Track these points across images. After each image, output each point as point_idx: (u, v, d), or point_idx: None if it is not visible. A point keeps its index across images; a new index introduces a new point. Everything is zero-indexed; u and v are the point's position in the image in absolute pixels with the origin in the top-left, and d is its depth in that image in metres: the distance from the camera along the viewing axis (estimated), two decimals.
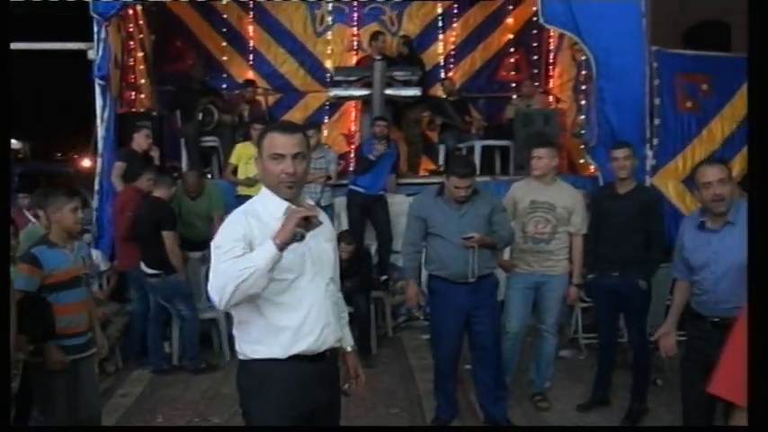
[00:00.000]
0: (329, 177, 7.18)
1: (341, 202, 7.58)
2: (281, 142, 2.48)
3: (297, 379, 2.52)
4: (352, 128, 9.98)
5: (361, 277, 6.35)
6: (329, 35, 10.06)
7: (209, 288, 2.37)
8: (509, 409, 4.69)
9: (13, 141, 26.66)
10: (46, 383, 3.71)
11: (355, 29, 10.03)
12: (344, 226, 7.39)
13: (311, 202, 2.68)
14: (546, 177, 4.84)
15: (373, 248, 7.41)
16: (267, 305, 2.47)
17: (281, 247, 2.29)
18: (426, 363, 5.86)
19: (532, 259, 4.81)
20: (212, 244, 2.44)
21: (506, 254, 5.08)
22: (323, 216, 2.68)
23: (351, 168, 8.19)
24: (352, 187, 7.45)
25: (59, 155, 20.35)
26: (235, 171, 7.31)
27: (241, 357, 2.60)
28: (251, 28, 9.94)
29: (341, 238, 6.39)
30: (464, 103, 9.14)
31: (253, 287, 2.29)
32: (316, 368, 2.55)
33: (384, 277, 7.10)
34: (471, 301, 4.44)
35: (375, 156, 7.25)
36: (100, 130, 6.92)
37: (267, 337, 2.51)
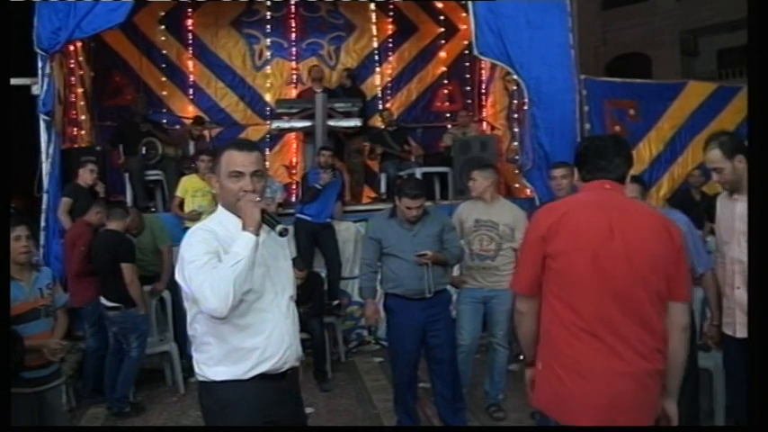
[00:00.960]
0: (280, 205, 7.31)
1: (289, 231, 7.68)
2: (239, 160, 2.55)
3: (259, 399, 2.57)
4: (294, 159, 10.15)
5: (313, 303, 6.48)
6: (268, 69, 10.24)
7: (207, 303, 2.37)
8: (467, 420, 4.87)
9: None
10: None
11: (294, 63, 10.24)
12: (293, 253, 7.50)
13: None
14: (487, 197, 5.12)
15: (323, 275, 7.54)
16: (229, 327, 2.52)
17: (257, 233, 2.41)
18: (381, 384, 6.04)
19: (479, 275, 5.07)
20: (183, 262, 2.47)
21: (456, 271, 5.32)
22: (278, 237, 2.79)
23: (294, 198, 8.33)
24: (300, 216, 7.56)
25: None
26: (181, 204, 7.33)
27: (201, 379, 2.63)
28: (191, 63, 10.03)
29: (294, 263, 6.48)
30: (402, 132, 9.44)
31: (246, 280, 2.37)
32: (278, 386, 2.62)
33: (335, 302, 7.23)
34: (427, 315, 4.64)
35: (321, 184, 7.40)
36: (45, 166, 6.86)
37: (229, 359, 2.56)
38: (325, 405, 5.74)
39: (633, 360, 2.36)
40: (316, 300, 6.53)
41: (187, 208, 7.25)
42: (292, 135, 9.87)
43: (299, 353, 2.75)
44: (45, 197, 6.86)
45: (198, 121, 9.16)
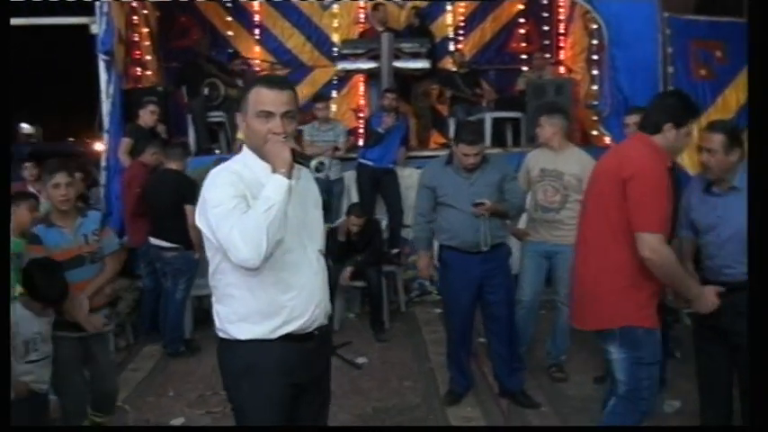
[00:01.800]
0: (337, 149, 7.08)
1: (350, 176, 7.50)
2: (269, 98, 2.30)
3: (285, 361, 2.37)
4: (361, 102, 9.85)
5: (372, 251, 6.29)
6: (335, 8, 9.89)
7: (238, 252, 2.15)
8: (525, 380, 4.60)
9: (24, 126, 26.77)
10: (57, 365, 3.66)
11: (361, 1, 9.84)
12: (354, 199, 7.32)
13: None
14: (555, 145, 4.74)
15: (384, 222, 7.32)
16: (256, 281, 2.31)
17: (289, 176, 2.18)
18: (439, 336, 5.78)
19: (543, 229, 4.73)
20: (206, 205, 2.26)
21: (522, 223, 4.98)
22: (309, 180, 2.55)
23: (360, 143, 8.08)
24: (362, 161, 7.35)
25: (71, 139, 20.12)
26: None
27: (223, 336, 2.43)
28: (256, 2, 9.78)
29: (350, 211, 6.34)
30: (474, 75, 8.99)
31: (280, 226, 2.15)
32: (305, 348, 2.42)
33: (395, 251, 7.01)
34: (483, 270, 4.34)
35: (384, 129, 7.16)
36: (105, 106, 6.83)
37: (254, 316, 2.35)
38: (379, 356, 5.57)
39: None
40: (374, 248, 6.32)
41: None
42: (360, 77, 9.55)
43: (329, 310, 2.53)
44: (106, 137, 6.84)
45: (235, 55, 8.91)
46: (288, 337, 2.37)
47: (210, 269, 2.43)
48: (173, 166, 5.71)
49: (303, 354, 2.42)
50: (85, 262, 3.73)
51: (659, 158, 2.94)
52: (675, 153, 3.13)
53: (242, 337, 2.37)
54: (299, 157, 2.24)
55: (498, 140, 8.32)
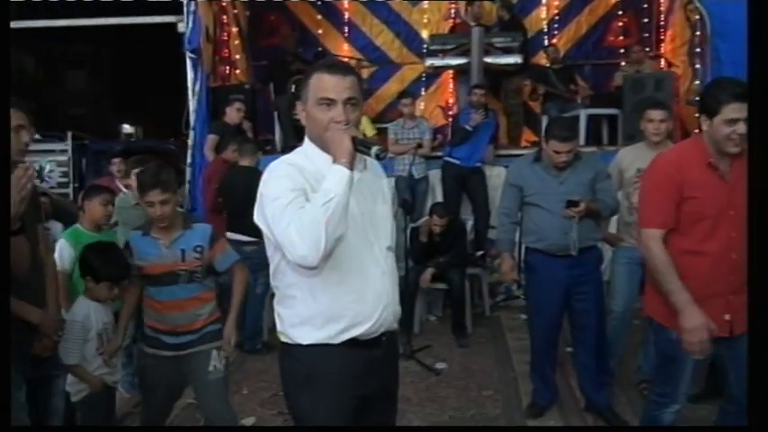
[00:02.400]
0: (420, 146, 6.86)
1: (435, 175, 7.29)
2: (330, 84, 2.10)
3: (349, 368, 2.18)
4: (450, 100, 9.63)
5: (455, 252, 6.05)
6: (425, 4, 9.73)
7: (295, 250, 1.97)
8: (613, 396, 4.26)
9: (125, 126, 27.92)
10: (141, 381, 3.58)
11: None
12: (439, 199, 7.10)
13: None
14: (656, 142, 4.36)
15: (470, 223, 7.07)
16: (318, 281, 2.13)
17: (351, 166, 2.00)
18: (525, 344, 5.43)
19: (638, 233, 4.35)
20: (264, 199, 2.10)
21: (612, 227, 4.63)
22: (378, 172, 2.36)
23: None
24: (448, 159, 7.13)
25: (172, 138, 20.76)
26: None
27: (284, 340, 2.26)
28: (346, 0, 9.71)
29: (433, 210, 6.13)
30: (569, 70, 8.61)
31: (340, 222, 1.96)
32: (371, 355, 2.21)
33: (480, 253, 6.74)
34: (572, 276, 4.03)
35: (472, 126, 6.90)
36: (191, 104, 6.88)
37: (316, 319, 2.17)
38: (459, 362, 5.33)
39: None
40: (457, 249, 6.08)
41: None
42: (449, 74, 9.33)
43: (398, 314, 2.31)
44: (191, 134, 6.89)
45: (320, 54, 8.80)
46: (353, 343, 2.18)
47: (271, 269, 2.27)
48: (245, 162, 5.69)
49: (369, 361, 2.22)
50: (179, 280, 3.27)
51: (686, 154, 2.88)
52: (720, 145, 2.78)
53: (304, 341, 2.19)
54: (360, 145, 2.04)
55: (593, 138, 7.92)
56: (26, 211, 2.52)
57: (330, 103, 2.10)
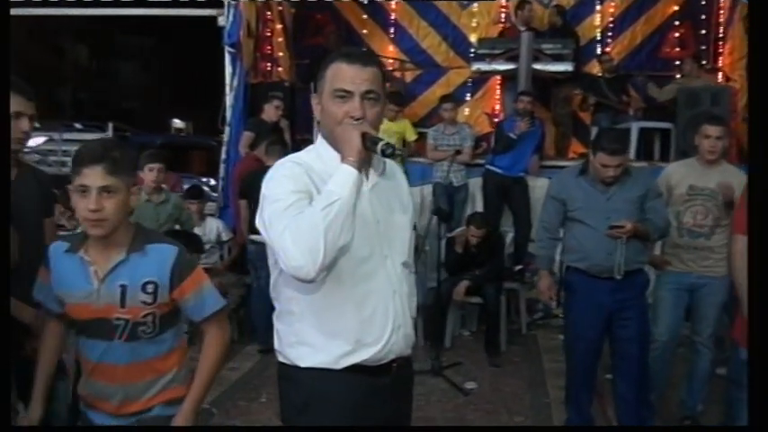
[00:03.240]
0: (458, 152, 6.59)
1: (476, 183, 7.02)
2: (348, 75, 1.87)
3: (351, 396, 1.94)
4: (497, 107, 9.33)
5: (492, 265, 5.77)
6: (475, 7, 9.43)
7: (289, 260, 1.73)
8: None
9: (176, 121, 28.18)
10: None
11: (504, 0, 9.31)
12: (479, 209, 6.84)
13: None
14: (710, 159, 4.04)
15: (510, 235, 6.78)
16: (320, 297, 1.89)
17: (359, 166, 1.77)
18: (561, 366, 5.09)
19: (688, 256, 4.03)
20: (264, 201, 1.87)
21: (657, 248, 4.31)
22: (399, 178, 2.12)
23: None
24: (489, 167, 6.86)
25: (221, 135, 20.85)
26: None
27: (281, 360, 2.02)
28: (393, 1, 9.50)
29: (470, 220, 5.88)
30: (621, 80, 8.23)
31: (343, 230, 1.72)
32: (378, 383, 1.97)
33: (519, 267, 6.45)
34: (615, 300, 3.73)
35: (516, 134, 6.64)
36: (228, 99, 6.74)
37: (316, 340, 1.93)
38: (491, 382, 5.05)
39: None
40: (494, 262, 5.80)
41: None
42: (497, 80, 9.05)
43: (411, 339, 2.05)
44: (227, 130, 6.75)
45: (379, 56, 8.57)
46: (357, 369, 1.93)
47: (272, 279, 2.04)
48: (270, 163, 5.47)
49: (376, 390, 1.97)
50: (116, 334, 2.17)
51: None
52: None
53: (301, 363, 1.95)
54: (369, 142, 1.80)
55: (645, 153, 7.55)
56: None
57: (346, 95, 1.87)
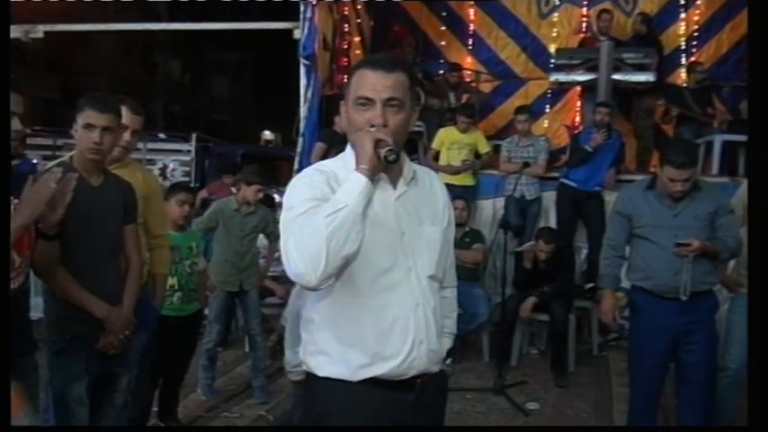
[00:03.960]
0: (527, 164, 6.43)
1: (550, 197, 6.84)
2: (370, 82, 1.83)
3: (370, 411, 1.88)
4: (576, 119, 9.09)
5: (561, 282, 5.60)
6: (555, 16, 9.21)
7: (291, 266, 1.72)
8: None
9: (266, 132, 28.90)
10: None
11: (585, 9, 9.07)
12: (553, 223, 6.66)
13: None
14: None
15: (583, 252, 6.58)
16: (338, 307, 1.86)
17: (371, 175, 1.73)
18: None
19: None
20: (283, 209, 1.86)
21: (730, 268, 4.08)
22: (435, 188, 2.06)
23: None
24: (564, 181, 6.68)
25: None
26: (436, 157, 6.89)
27: (304, 368, 2.00)
28: (471, 11, 9.41)
29: (539, 235, 5.74)
30: (706, 91, 7.85)
31: (348, 239, 1.67)
32: (400, 399, 1.90)
33: (591, 285, 6.23)
34: (681, 322, 3.54)
35: (592, 146, 6.44)
36: (302, 110, 6.81)
37: (333, 350, 1.89)
38: (554, 403, 4.89)
39: None
40: (564, 279, 5.64)
41: (442, 161, 6.80)
42: (577, 91, 8.80)
43: (437, 355, 1.97)
44: (300, 140, 6.83)
45: (454, 66, 8.50)
46: (376, 383, 1.87)
47: (295, 287, 2.03)
48: None
49: (397, 406, 1.91)
50: None
51: None
52: None
53: (319, 372, 1.92)
54: (387, 151, 1.75)
55: (729, 168, 7.19)
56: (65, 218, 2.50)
57: (367, 102, 1.84)
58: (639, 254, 3.71)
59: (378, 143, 1.75)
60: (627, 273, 3.86)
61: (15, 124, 2.87)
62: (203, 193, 8.00)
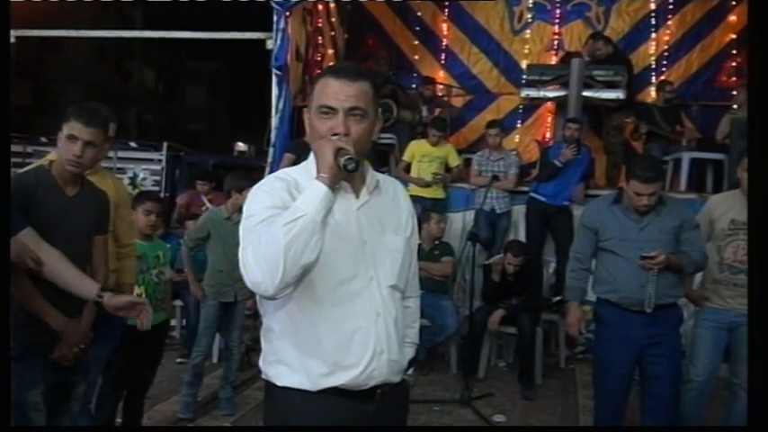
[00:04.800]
0: (496, 178, 6.47)
1: (520, 211, 6.88)
2: (332, 90, 1.82)
3: (330, 421, 1.86)
4: (547, 135, 9.18)
5: (529, 295, 5.63)
6: (527, 33, 9.32)
7: (248, 275, 1.71)
8: None
9: (240, 144, 28.77)
10: None
11: (557, 27, 9.20)
12: (522, 237, 6.69)
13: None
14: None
15: (552, 265, 6.63)
16: (298, 315, 1.84)
17: (331, 183, 1.71)
18: None
19: (728, 293, 3.82)
20: (243, 216, 1.84)
21: (696, 282, 4.13)
22: (398, 198, 2.07)
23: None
24: (533, 195, 6.72)
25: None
26: (408, 169, 6.91)
27: (263, 377, 1.97)
28: (445, 26, 9.50)
29: (508, 248, 5.76)
30: (675, 110, 7.96)
31: (307, 247, 1.66)
32: (360, 409, 1.89)
33: (559, 298, 6.27)
34: (646, 335, 3.58)
35: (562, 161, 6.48)
36: (274, 121, 6.81)
37: (292, 359, 1.87)
38: (521, 415, 4.90)
39: None
40: (532, 292, 5.66)
41: (413, 173, 6.82)
42: (548, 107, 8.90)
43: (397, 366, 1.95)
44: (271, 151, 6.81)
45: (428, 80, 8.54)
46: (336, 392, 1.86)
47: (257, 296, 2.01)
48: None
49: (357, 416, 1.89)
50: None
51: None
52: None
53: (278, 382, 1.90)
54: (347, 158, 1.73)
55: (697, 185, 7.30)
56: None
57: (329, 111, 1.82)
58: (605, 267, 3.74)
59: (338, 152, 1.73)
60: (593, 285, 3.89)
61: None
62: (180, 209, 7.80)
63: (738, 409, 3.81)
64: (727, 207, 3.91)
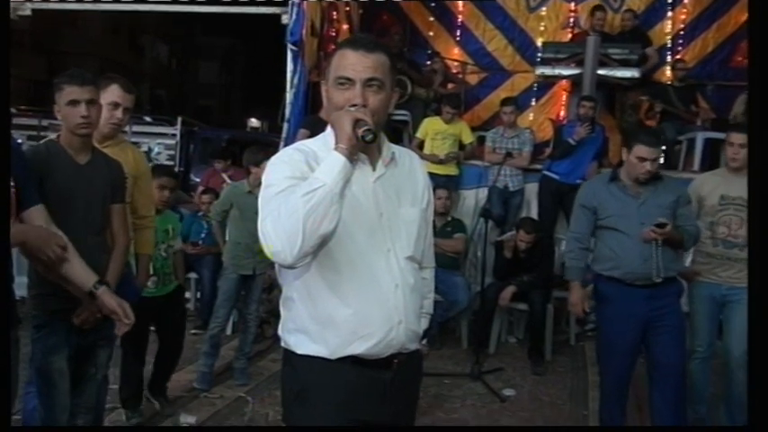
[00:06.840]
0: (510, 155, 6.49)
1: (532, 189, 6.92)
2: (350, 62, 1.85)
3: (348, 389, 1.92)
4: (561, 113, 9.16)
5: (540, 273, 5.68)
6: (543, 11, 9.24)
7: (267, 241, 1.74)
8: None
9: (253, 120, 28.74)
10: None
11: (573, 4, 9.12)
12: (534, 214, 6.74)
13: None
14: (738, 169, 3.89)
15: (564, 243, 6.65)
16: (317, 284, 1.89)
17: (349, 154, 1.75)
18: None
19: (720, 267, 3.89)
20: (261, 186, 1.88)
21: (687, 260, 4.20)
22: (415, 170, 2.10)
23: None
24: (547, 173, 6.75)
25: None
26: (421, 146, 6.93)
27: (283, 345, 2.03)
28: (460, 2, 9.43)
29: (521, 225, 5.80)
30: (691, 89, 7.94)
31: (326, 217, 1.69)
32: (378, 377, 1.95)
33: None
34: (651, 308, 3.62)
35: (575, 140, 6.50)
36: (288, 96, 6.83)
37: (312, 328, 1.92)
38: (530, 390, 4.97)
39: None
40: (543, 269, 5.71)
41: (426, 150, 6.84)
42: (563, 85, 8.86)
43: (415, 335, 2.01)
44: (285, 126, 6.84)
45: (436, 54, 8.58)
46: (354, 361, 1.92)
47: (276, 266, 2.06)
48: None
49: (375, 384, 1.95)
50: None
51: None
52: None
53: (298, 350, 1.96)
54: (357, 128, 1.76)
55: (710, 165, 7.28)
56: None
57: (347, 82, 1.85)
58: (606, 244, 3.75)
59: (356, 123, 1.76)
60: (593, 264, 3.91)
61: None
62: (200, 188, 7.83)
63: (736, 387, 3.83)
64: (715, 184, 4.00)
